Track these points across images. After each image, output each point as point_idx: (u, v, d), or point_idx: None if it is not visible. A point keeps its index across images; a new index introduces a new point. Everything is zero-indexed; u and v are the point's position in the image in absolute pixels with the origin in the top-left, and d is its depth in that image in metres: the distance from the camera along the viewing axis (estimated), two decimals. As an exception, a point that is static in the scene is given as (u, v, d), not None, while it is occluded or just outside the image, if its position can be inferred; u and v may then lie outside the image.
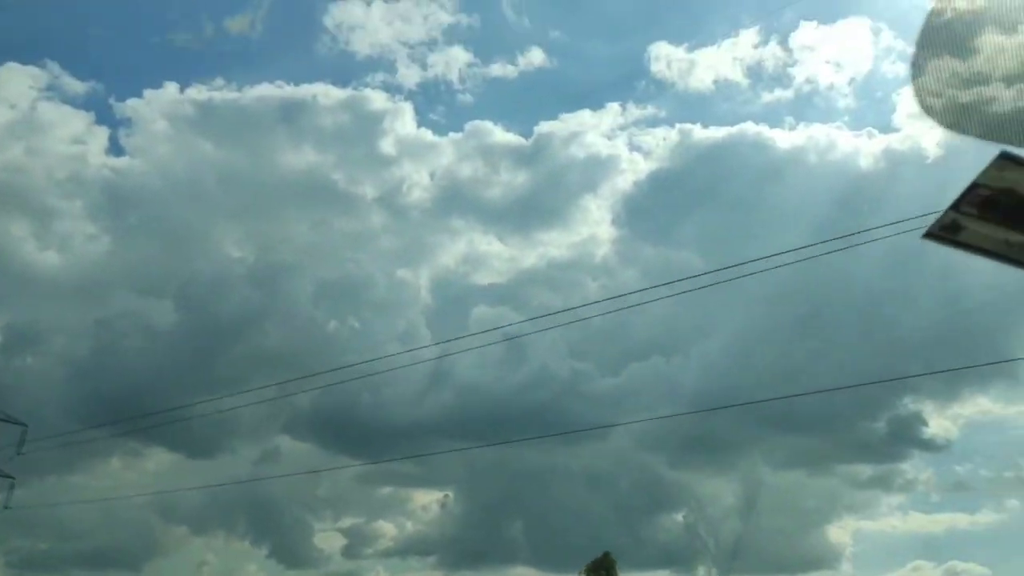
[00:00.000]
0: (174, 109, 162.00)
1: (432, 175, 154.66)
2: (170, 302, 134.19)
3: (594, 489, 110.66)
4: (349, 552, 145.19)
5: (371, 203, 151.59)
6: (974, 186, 2.50)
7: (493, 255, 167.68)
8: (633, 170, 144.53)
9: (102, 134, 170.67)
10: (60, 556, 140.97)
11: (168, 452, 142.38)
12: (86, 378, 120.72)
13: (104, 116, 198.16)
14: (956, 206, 2.57)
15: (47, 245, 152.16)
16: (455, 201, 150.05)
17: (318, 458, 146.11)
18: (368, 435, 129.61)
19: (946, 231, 2.61)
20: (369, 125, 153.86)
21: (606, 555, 64.04)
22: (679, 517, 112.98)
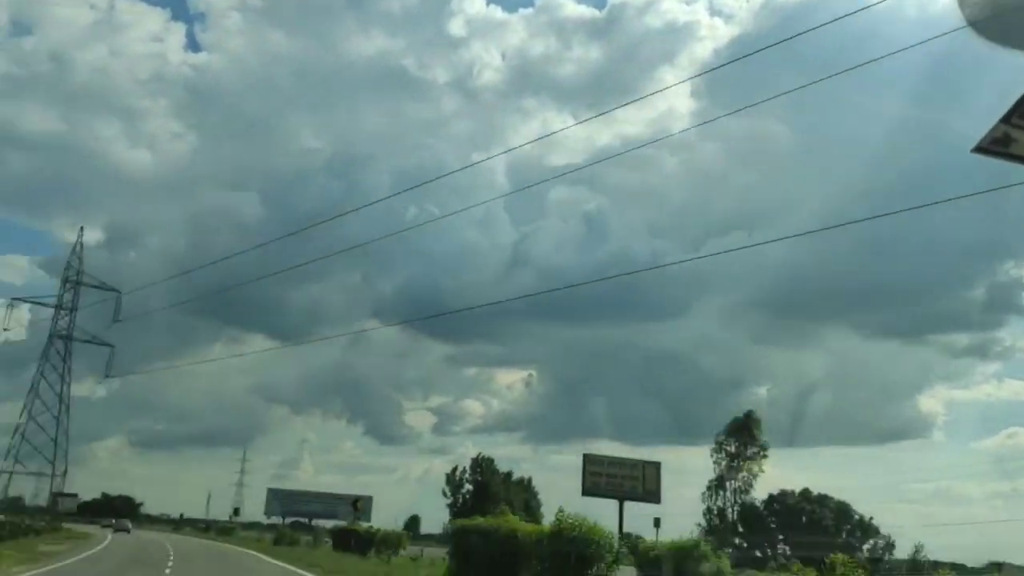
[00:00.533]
0: (244, 1, 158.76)
1: (503, 55, 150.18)
2: (255, 195, 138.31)
3: (676, 366, 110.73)
4: (439, 429, 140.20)
5: (442, 87, 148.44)
6: (1025, 98, 2.37)
7: (569, 135, 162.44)
8: (713, 36, 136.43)
9: (178, 30, 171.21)
10: (175, 436, 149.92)
11: (266, 338, 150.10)
12: (185, 271, 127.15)
13: (179, 12, 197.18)
14: (1007, 118, 2.43)
15: (137, 144, 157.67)
16: (527, 81, 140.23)
17: (405, 341, 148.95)
18: (452, 318, 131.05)
19: (997, 144, 2.48)
20: (438, 5, 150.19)
21: (748, 415, 64.13)
22: (763, 391, 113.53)
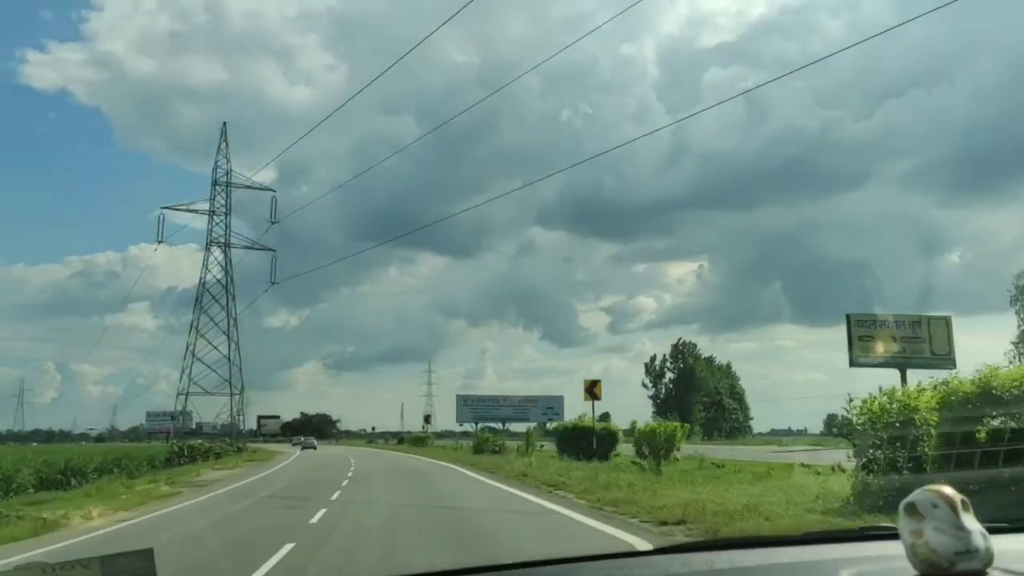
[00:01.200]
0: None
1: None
2: (410, 117, 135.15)
3: (854, 240, 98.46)
4: (614, 328, 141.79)
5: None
6: None
7: (718, 12, 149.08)
8: None
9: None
10: (365, 356, 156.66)
11: (436, 255, 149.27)
12: (353, 198, 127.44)
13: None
14: None
15: (294, 81, 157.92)
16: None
17: (571, 244, 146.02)
18: (616, 216, 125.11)
19: None
20: None
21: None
22: (954, 257, 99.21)
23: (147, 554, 1.53)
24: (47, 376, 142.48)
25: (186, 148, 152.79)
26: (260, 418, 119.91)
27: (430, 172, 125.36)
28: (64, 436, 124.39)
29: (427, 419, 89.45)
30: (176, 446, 44.91)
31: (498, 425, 61.57)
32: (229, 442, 59.60)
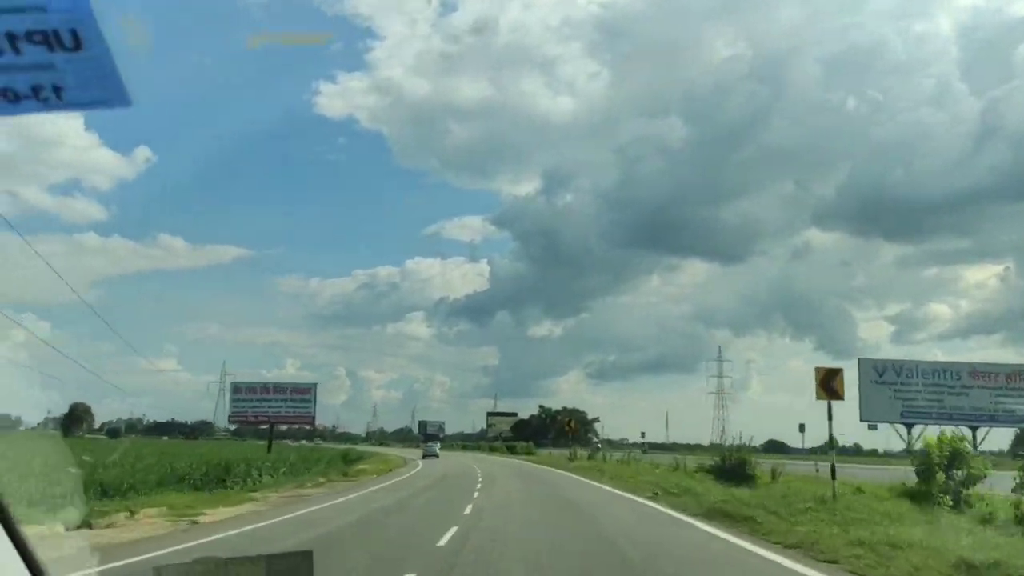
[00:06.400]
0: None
1: None
2: (677, 118, 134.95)
3: None
4: (899, 338, 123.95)
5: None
6: None
7: None
8: None
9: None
10: (625, 365, 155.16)
11: (703, 262, 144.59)
12: (617, 205, 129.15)
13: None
14: None
15: (558, 92, 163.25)
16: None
17: (850, 247, 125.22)
18: (905, 214, 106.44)
19: None
20: None
21: None
22: None
23: (307, 556, 1.67)
24: (338, 381, 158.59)
25: (456, 164, 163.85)
26: (489, 415, 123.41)
27: (696, 174, 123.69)
28: (346, 437, 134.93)
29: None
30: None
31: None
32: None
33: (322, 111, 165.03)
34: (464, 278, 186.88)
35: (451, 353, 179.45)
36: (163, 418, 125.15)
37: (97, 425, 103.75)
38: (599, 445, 78.45)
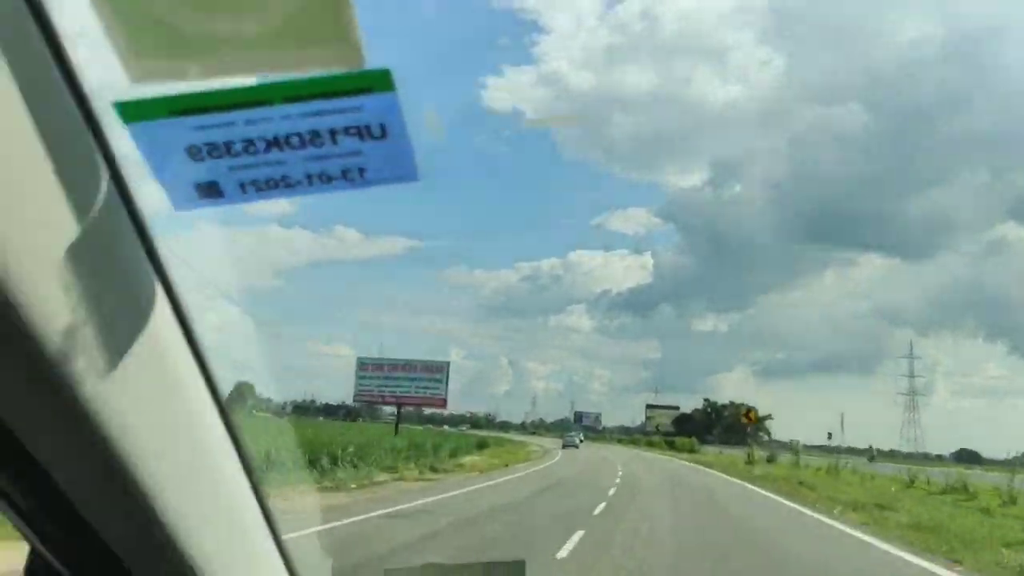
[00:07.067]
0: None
1: None
2: (856, 104, 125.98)
3: None
4: None
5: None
6: None
7: None
8: None
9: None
10: (794, 363, 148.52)
11: (882, 258, 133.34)
12: (788, 196, 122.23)
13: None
14: None
15: (727, 80, 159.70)
16: None
17: None
18: None
19: None
20: None
21: None
22: None
23: (520, 565, 1.65)
24: (501, 370, 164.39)
25: (621, 156, 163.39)
26: (648, 407, 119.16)
27: (877, 164, 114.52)
28: (505, 426, 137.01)
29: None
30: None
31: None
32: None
33: (489, 104, 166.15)
34: (627, 271, 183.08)
35: (612, 346, 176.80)
36: (334, 400, 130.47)
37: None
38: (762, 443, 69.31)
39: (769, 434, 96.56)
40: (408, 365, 46.80)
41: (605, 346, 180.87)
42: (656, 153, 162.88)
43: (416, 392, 46.47)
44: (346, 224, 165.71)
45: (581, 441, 67.98)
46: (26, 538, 0.95)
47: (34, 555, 0.99)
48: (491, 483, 24.31)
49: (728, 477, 32.69)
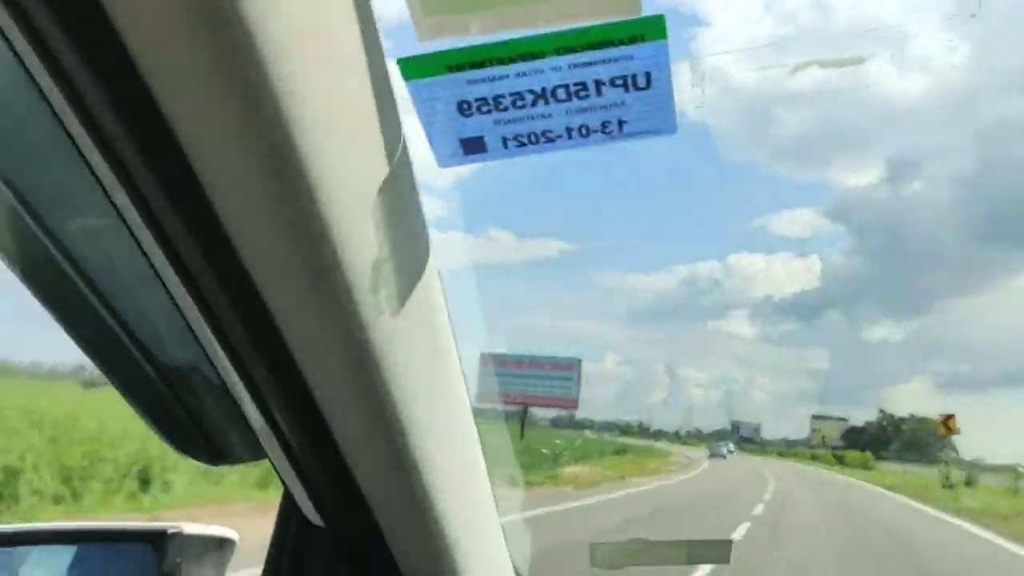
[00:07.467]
0: None
1: None
2: None
3: None
4: None
5: None
6: None
7: None
8: None
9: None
10: (982, 375, 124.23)
11: None
12: (976, 194, 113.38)
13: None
14: None
15: (906, 70, 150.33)
16: None
17: None
18: None
19: None
20: None
21: None
22: None
23: (726, 544, 1.69)
24: (656, 377, 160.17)
25: (786, 154, 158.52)
26: (814, 417, 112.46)
27: None
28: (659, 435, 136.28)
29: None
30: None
31: None
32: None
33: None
34: (791, 275, 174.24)
35: (774, 353, 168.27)
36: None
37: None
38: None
39: (956, 452, 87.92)
40: (535, 361, 42.83)
41: (766, 353, 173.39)
42: (824, 150, 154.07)
43: (543, 392, 41.97)
44: (502, 227, 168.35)
45: (730, 451, 64.85)
46: (284, 482, 1.02)
47: (288, 500, 1.07)
48: (564, 507, 16.14)
49: (924, 507, 24.40)
